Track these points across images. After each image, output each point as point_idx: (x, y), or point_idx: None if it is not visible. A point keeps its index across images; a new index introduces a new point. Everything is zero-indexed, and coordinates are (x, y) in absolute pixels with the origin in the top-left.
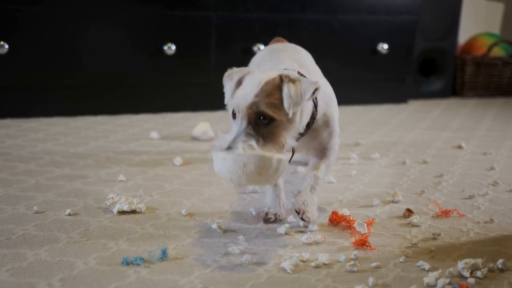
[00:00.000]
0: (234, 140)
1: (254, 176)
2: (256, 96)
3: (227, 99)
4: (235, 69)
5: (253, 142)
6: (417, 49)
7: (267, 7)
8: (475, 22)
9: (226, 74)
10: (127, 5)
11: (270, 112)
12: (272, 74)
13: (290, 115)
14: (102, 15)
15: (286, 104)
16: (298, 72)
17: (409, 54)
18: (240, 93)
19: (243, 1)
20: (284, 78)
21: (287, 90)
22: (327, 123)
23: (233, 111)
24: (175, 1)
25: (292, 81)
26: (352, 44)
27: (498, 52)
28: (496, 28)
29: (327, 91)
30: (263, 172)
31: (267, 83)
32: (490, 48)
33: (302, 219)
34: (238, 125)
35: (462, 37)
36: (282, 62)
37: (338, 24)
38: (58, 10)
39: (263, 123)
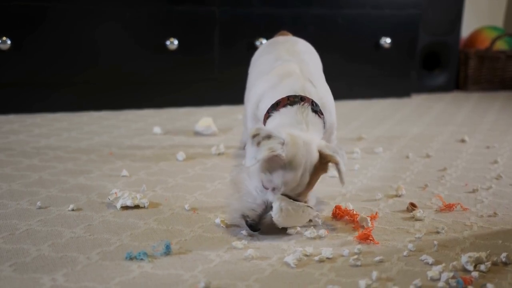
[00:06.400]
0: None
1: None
2: (299, 194)
3: (250, 162)
4: (262, 132)
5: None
6: (420, 43)
7: (271, 2)
8: (478, 16)
9: (253, 133)
10: (131, 2)
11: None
12: (311, 153)
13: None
14: (106, 12)
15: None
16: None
17: (413, 48)
18: (279, 181)
19: None
20: (333, 161)
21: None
22: (331, 132)
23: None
24: None
25: (335, 155)
26: (356, 39)
27: (501, 45)
28: (499, 22)
29: (326, 100)
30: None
31: (312, 172)
32: (493, 42)
33: None
34: (270, 195)
35: (465, 31)
36: (279, 55)
37: (342, 19)
38: (62, 7)
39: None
